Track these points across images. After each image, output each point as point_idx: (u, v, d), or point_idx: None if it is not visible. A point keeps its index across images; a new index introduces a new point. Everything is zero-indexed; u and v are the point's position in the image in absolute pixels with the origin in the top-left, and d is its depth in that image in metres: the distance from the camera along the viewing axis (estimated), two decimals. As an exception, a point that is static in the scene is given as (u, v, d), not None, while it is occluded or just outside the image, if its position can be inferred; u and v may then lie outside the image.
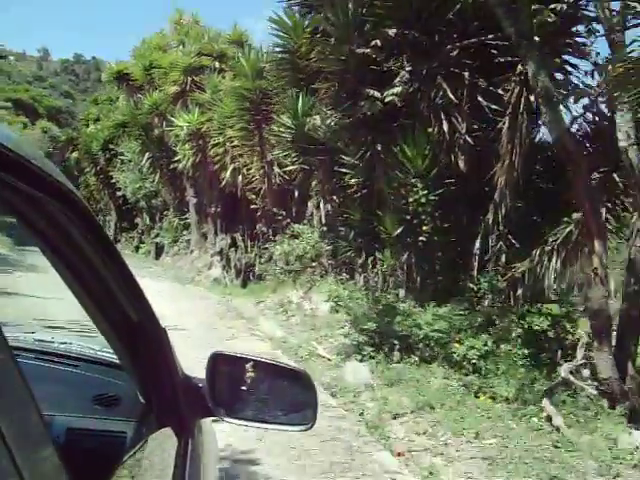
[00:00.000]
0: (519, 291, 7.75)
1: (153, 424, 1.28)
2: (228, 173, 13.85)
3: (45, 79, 61.18)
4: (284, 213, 12.36)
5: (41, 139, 29.98)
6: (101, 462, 1.07)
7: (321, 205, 11.75)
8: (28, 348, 1.57)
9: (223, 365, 1.40)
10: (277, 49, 10.69)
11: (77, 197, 0.85)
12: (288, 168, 11.19)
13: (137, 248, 24.08)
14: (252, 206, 13.42)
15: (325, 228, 11.14)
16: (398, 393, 5.99)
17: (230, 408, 1.37)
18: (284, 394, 1.46)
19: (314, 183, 11.47)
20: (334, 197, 10.81)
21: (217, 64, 15.47)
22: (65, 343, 1.72)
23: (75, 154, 30.57)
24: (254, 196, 13.07)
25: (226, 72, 15.30)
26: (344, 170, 9.43)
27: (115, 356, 1.36)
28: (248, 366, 1.40)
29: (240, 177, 13.83)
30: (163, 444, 1.29)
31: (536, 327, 6.96)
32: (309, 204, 12.90)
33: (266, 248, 12.75)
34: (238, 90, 11.87)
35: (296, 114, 10.05)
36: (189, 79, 15.30)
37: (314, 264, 10.82)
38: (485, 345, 6.80)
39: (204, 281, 15.08)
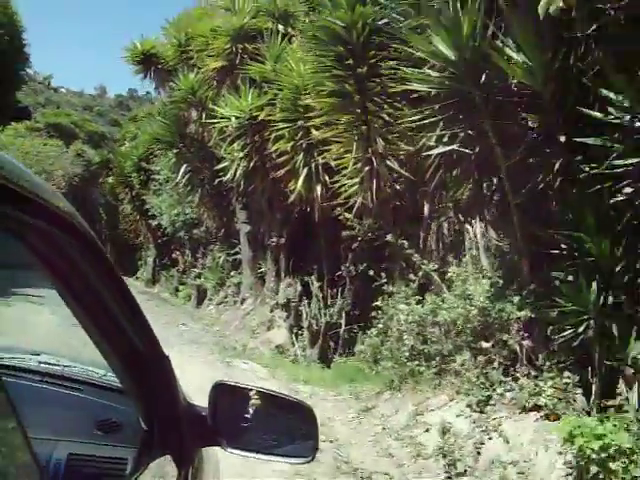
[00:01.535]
0: None
1: (154, 451, 1.23)
2: (300, 181, 8.66)
3: (92, 108, 58.67)
4: (406, 243, 6.96)
5: (73, 162, 25.89)
6: None
7: (477, 227, 6.41)
8: (33, 370, 1.55)
9: (226, 394, 1.38)
10: None
11: (82, 225, 0.88)
12: (427, 154, 5.81)
13: (176, 290, 19.27)
14: (344, 232, 8.08)
15: (499, 273, 5.71)
16: None
17: (232, 438, 1.34)
18: (286, 426, 1.43)
19: (464, 188, 6.13)
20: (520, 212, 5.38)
21: (281, 27, 10.49)
22: (69, 366, 1.69)
23: (111, 179, 26.36)
24: (346, 214, 7.75)
25: (294, 37, 10.33)
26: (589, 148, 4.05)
27: (118, 381, 1.34)
28: (250, 396, 1.39)
29: (319, 187, 8.65)
30: (163, 472, 1.25)
31: None
32: (422, 227, 7.70)
33: (375, 307, 7.13)
34: (327, 25, 6.69)
35: (460, 36, 4.78)
36: (239, 48, 10.35)
37: (486, 345, 5.36)
38: None
39: (261, 349, 9.77)
